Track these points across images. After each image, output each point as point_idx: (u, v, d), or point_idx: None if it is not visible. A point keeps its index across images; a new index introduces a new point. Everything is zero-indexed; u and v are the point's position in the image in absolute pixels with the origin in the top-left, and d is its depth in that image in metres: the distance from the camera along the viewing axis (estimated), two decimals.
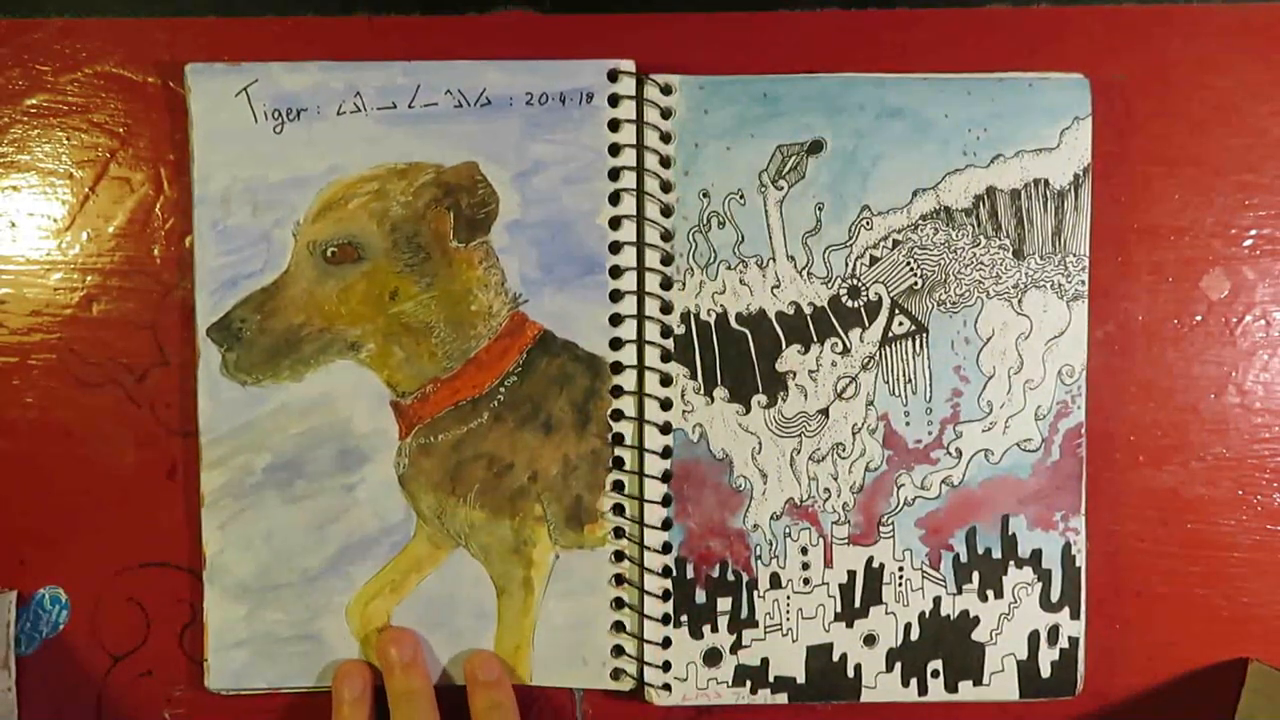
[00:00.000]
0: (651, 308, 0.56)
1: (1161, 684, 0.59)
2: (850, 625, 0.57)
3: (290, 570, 0.57)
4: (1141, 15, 0.58)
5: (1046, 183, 0.56)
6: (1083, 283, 0.57)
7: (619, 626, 0.57)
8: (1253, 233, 0.58)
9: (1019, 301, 0.57)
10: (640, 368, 0.56)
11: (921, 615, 0.57)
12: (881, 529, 0.57)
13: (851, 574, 0.57)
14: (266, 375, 0.56)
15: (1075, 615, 0.57)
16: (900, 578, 0.57)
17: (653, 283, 0.57)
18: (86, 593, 0.59)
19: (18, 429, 0.58)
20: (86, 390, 0.58)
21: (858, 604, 0.57)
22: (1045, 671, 0.57)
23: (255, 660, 0.57)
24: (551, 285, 0.56)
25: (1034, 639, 0.57)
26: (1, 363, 0.58)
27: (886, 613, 0.57)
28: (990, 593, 0.57)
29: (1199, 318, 0.58)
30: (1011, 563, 0.57)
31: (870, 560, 0.57)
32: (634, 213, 0.56)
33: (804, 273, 0.57)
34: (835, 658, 0.57)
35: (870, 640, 0.57)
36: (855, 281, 0.57)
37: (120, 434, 0.58)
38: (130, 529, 0.58)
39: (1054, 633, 0.57)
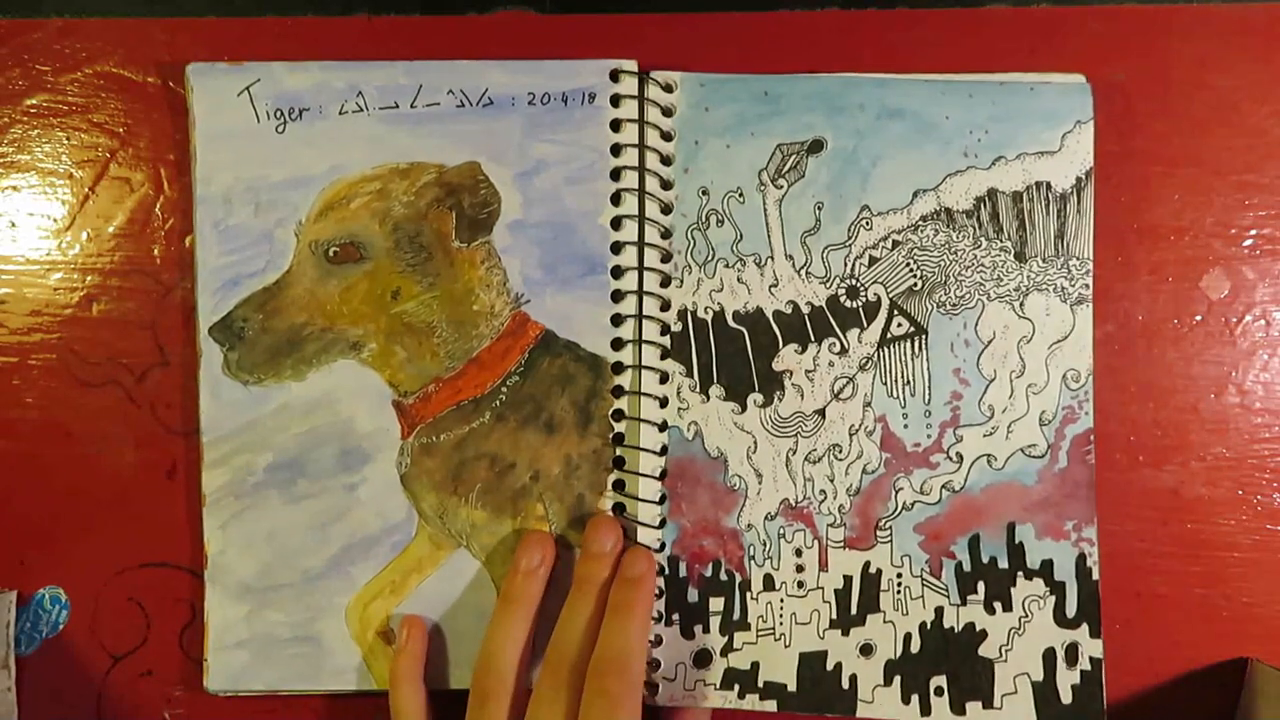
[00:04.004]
0: (653, 307, 0.56)
1: (1161, 684, 0.59)
2: (846, 633, 0.56)
3: (291, 570, 0.57)
4: (1141, 15, 0.58)
5: (1049, 186, 0.56)
6: (1086, 286, 0.56)
7: None
8: (1253, 233, 0.58)
9: (1021, 304, 0.56)
10: (639, 367, 0.56)
11: (922, 626, 0.56)
12: (879, 533, 0.56)
13: (848, 579, 0.56)
14: (268, 375, 0.56)
15: (1095, 633, 0.56)
16: (899, 585, 0.56)
17: (654, 282, 0.56)
18: (86, 593, 0.58)
19: (18, 429, 0.58)
20: (86, 390, 0.58)
21: (854, 611, 0.56)
22: (1065, 696, 0.55)
23: (254, 661, 0.57)
24: (553, 285, 0.56)
25: (1049, 658, 0.56)
26: (1, 363, 0.58)
27: (884, 621, 0.56)
28: (998, 605, 0.56)
29: (1199, 318, 0.58)
30: (1020, 573, 0.56)
31: (867, 566, 0.56)
32: (635, 212, 0.56)
33: (802, 272, 0.56)
34: (829, 666, 0.56)
35: (867, 650, 0.56)
36: (854, 282, 0.56)
37: (120, 434, 0.58)
38: (130, 529, 0.58)
39: (1072, 652, 0.56)
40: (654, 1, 0.58)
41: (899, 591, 0.56)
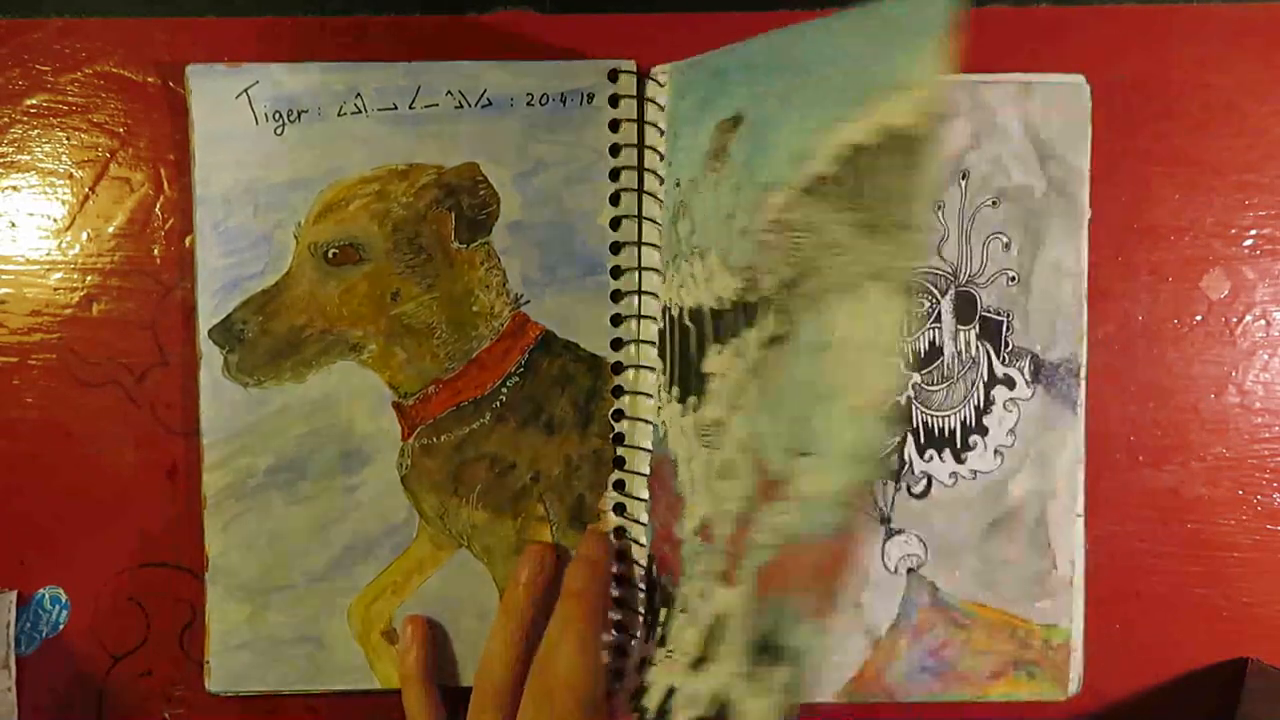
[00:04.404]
0: (652, 307, 0.56)
1: (1161, 684, 0.59)
2: (681, 679, 0.48)
3: (292, 572, 0.57)
4: (1141, 15, 0.58)
5: (899, 130, 0.40)
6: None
7: (620, 628, 0.57)
8: (1253, 233, 0.58)
9: (861, 296, 0.41)
10: (639, 367, 0.56)
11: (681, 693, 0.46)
12: (737, 574, 0.46)
13: (712, 617, 0.47)
14: (268, 377, 0.56)
15: None
16: (719, 640, 0.46)
17: (653, 282, 0.56)
18: (86, 593, 0.58)
19: (18, 429, 0.58)
20: (86, 390, 0.58)
21: (699, 661, 0.47)
22: None
23: (257, 662, 0.57)
24: (553, 286, 0.56)
25: None
26: (1, 363, 0.58)
27: (688, 688, 0.47)
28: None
29: (1199, 318, 0.58)
30: (758, 659, 0.43)
31: (723, 608, 0.47)
32: (634, 212, 0.56)
33: (726, 263, 0.49)
34: (654, 705, 0.49)
35: (663, 714, 0.48)
36: (754, 273, 0.47)
37: (120, 434, 0.58)
38: (130, 529, 0.58)
39: None
40: (654, 1, 0.58)
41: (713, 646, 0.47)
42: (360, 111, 0.56)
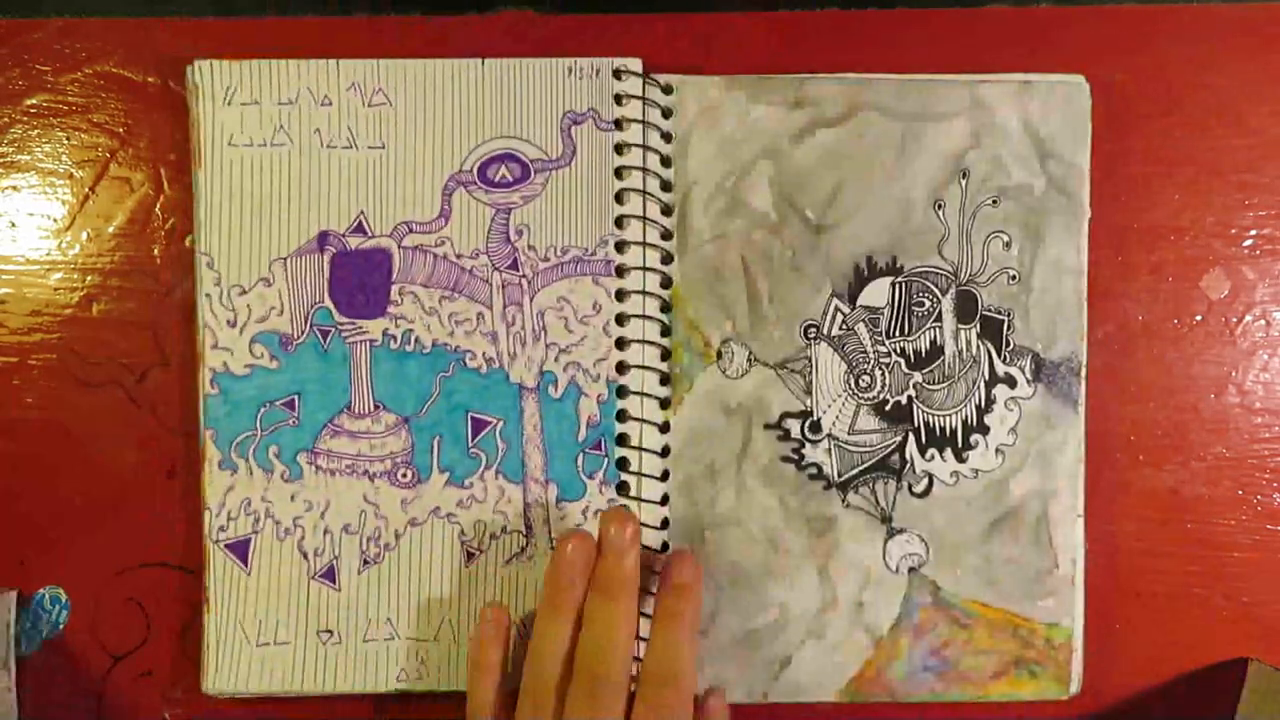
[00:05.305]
0: (654, 307, 0.56)
1: (1161, 684, 0.59)
2: None
3: None
4: (1141, 15, 0.58)
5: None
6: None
7: None
8: (1253, 233, 0.58)
9: None
10: (643, 368, 0.56)
11: None
12: None
13: None
14: None
15: None
16: None
17: (655, 282, 0.56)
18: (86, 593, 0.58)
19: (18, 429, 0.58)
20: (86, 390, 0.58)
21: None
22: None
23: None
24: None
25: None
26: (1, 363, 0.58)
27: None
28: None
29: (1199, 318, 0.58)
30: None
31: None
32: (640, 212, 0.56)
33: None
34: None
35: None
36: None
37: (120, 434, 0.58)
38: (130, 529, 0.58)
39: None
40: (655, 2, 0.58)
41: None
42: None
